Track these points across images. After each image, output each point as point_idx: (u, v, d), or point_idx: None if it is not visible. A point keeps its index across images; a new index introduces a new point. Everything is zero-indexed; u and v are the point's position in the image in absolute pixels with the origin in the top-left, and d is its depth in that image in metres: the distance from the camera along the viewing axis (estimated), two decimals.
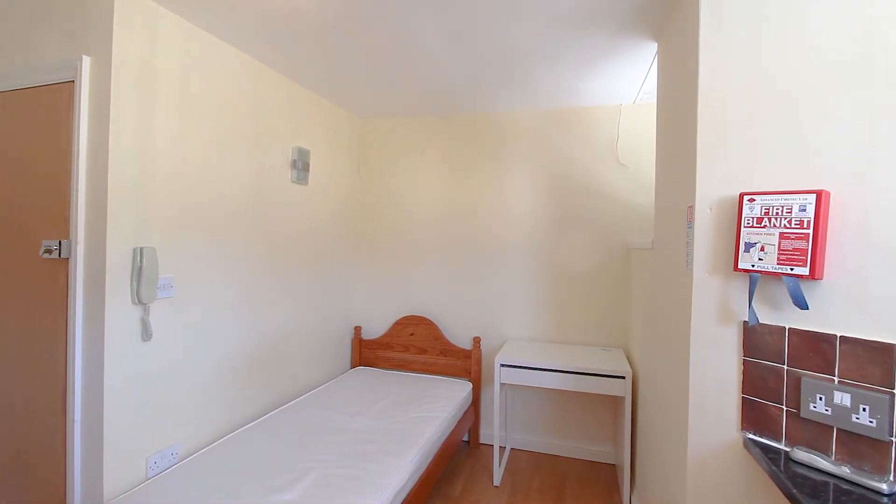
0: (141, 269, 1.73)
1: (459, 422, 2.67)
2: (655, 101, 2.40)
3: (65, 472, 1.70)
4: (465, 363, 3.12)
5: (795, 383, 1.16)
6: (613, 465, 2.90)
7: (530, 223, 3.08)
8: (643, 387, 2.21)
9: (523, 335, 3.08)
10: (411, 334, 3.25)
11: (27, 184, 1.79)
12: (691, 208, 1.39)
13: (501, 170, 3.14)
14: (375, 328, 3.41)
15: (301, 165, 2.68)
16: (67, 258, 1.68)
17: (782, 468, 1.07)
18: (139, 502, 1.60)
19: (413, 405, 2.57)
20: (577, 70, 2.39)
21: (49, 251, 1.68)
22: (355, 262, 3.44)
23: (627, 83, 2.55)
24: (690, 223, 1.40)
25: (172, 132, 1.89)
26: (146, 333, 1.79)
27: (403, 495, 1.86)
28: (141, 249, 1.74)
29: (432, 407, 2.55)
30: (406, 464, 1.93)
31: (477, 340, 3.08)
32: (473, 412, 2.99)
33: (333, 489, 1.71)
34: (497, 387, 2.57)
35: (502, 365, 2.58)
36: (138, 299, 1.74)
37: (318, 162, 2.91)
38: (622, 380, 2.38)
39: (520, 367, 2.55)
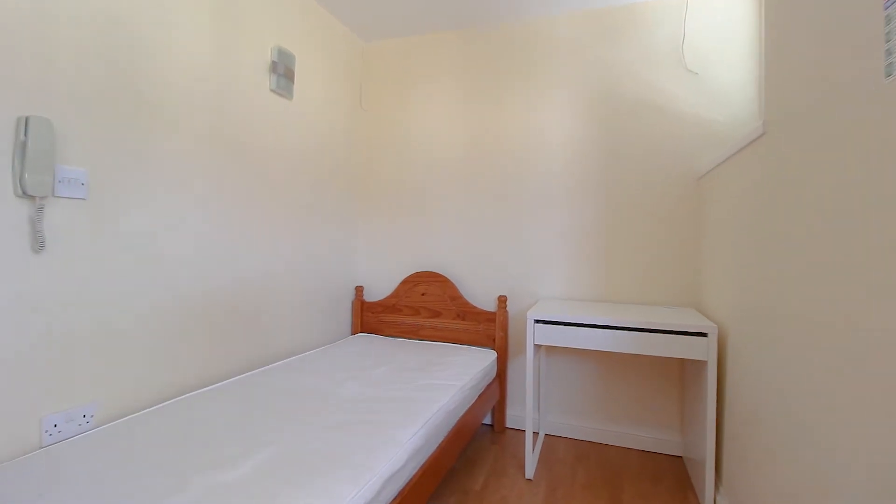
0: (25, 146, 1.21)
1: (480, 397, 2.08)
2: None
3: None
4: (488, 328, 2.53)
5: None
6: (680, 457, 2.26)
7: (568, 156, 2.46)
8: (741, 347, 1.58)
9: (560, 293, 2.47)
10: (423, 294, 2.68)
11: None
12: None
13: (532, 94, 2.54)
14: (380, 288, 2.85)
15: (283, 71, 2.14)
16: None
17: None
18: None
19: (421, 373, 1.99)
20: None
21: None
22: (356, 209, 2.89)
23: None
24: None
25: None
26: (38, 242, 1.26)
27: (400, 484, 1.28)
28: (27, 118, 1.22)
29: (445, 375, 1.97)
30: (404, 441, 1.36)
31: (502, 300, 2.49)
32: (498, 388, 2.40)
33: (296, 469, 1.15)
34: (530, 352, 1.97)
35: (537, 321, 1.98)
36: (22, 190, 1.22)
37: (306, 74, 2.36)
38: (703, 338, 1.75)
39: (560, 322, 1.95)
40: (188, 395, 1.65)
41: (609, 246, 2.39)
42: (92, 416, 1.42)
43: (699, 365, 1.88)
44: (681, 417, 2.27)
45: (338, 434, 1.36)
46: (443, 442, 1.62)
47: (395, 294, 2.73)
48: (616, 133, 2.38)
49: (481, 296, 2.62)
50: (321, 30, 2.49)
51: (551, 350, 2.48)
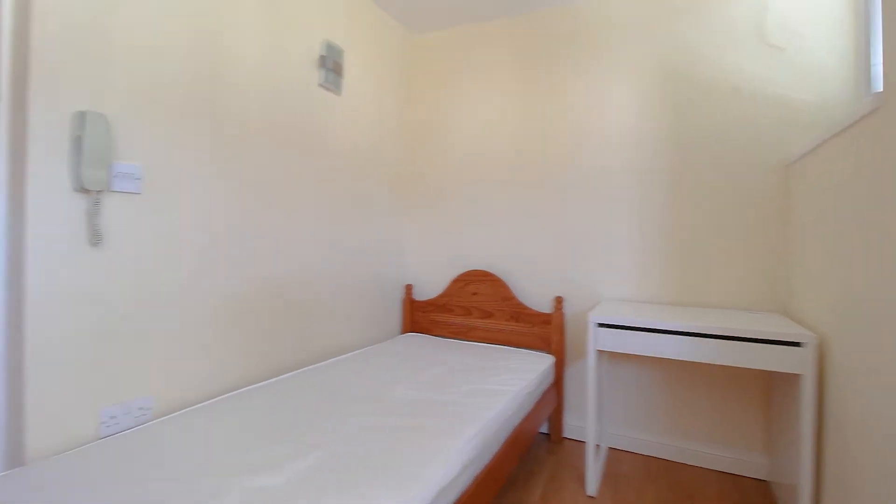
0: (82, 140, 1.22)
1: (537, 404, 1.94)
2: None
3: None
4: (544, 330, 2.37)
5: None
6: (766, 481, 2.00)
7: (633, 145, 2.27)
8: (848, 359, 1.34)
9: (625, 294, 2.28)
10: (474, 294, 2.57)
11: None
12: None
13: (591, 80, 2.36)
14: (430, 287, 2.77)
15: (332, 65, 2.11)
16: None
17: None
18: (55, 471, 1.07)
19: (474, 376, 1.88)
20: None
21: None
22: (405, 205, 2.82)
23: None
24: None
25: None
26: (95, 235, 1.28)
27: (452, 497, 1.18)
28: (83, 114, 1.23)
29: (500, 380, 1.85)
30: (459, 449, 1.25)
31: (559, 301, 2.33)
32: (555, 395, 2.24)
33: (341, 476, 1.07)
34: (591, 358, 1.81)
35: (600, 324, 1.82)
36: (81, 184, 1.23)
37: (354, 69, 2.33)
38: (797, 348, 1.52)
39: (626, 327, 1.77)
40: (238, 391, 1.64)
41: (681, 242, 2.17)
42: (150, 409, 1.42)
43: (790, 378, 1.64)
44: (766, 436, 2.01)
45: (387, 439, 1.28)
46: (498, 451, 1.50)
47: (446, 293, 2.64)
48: (688, 118, 2.16)
49: (536, 296, 2.47)
50: (370, 23, 2.45)
51: (614, 356, 2.29)
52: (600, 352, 2.15)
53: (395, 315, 2.72)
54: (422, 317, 2.71)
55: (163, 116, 1.45)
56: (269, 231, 1.86)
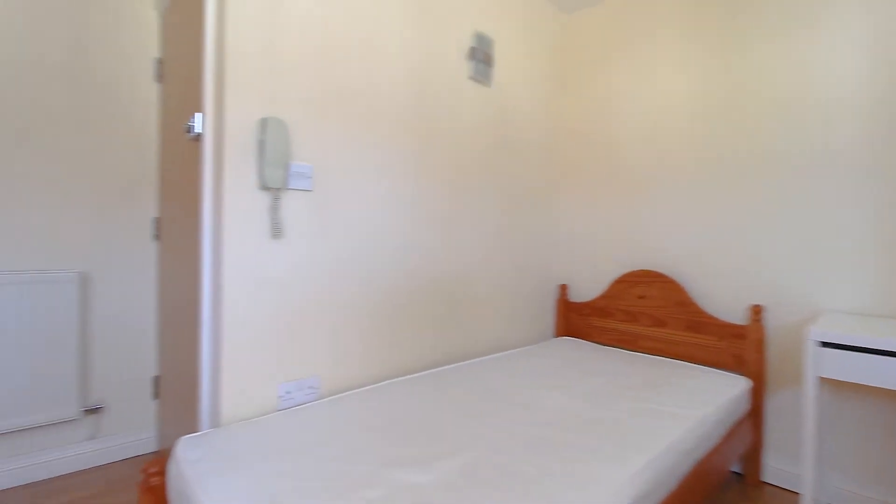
0: (264, 143, 1.37)
1: (727, 437, 1.57)
2: None
3: (197, 385, 1.46)
4: (734, 346, 1.93)
5: None
6: None
7: (861, 116, 1.69)
8: None
9: (857, 305, 1.71)
10: (641, 297, 2.24)
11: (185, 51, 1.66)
12: None
13: (798, 37, 1.84)
14: (587, 288, 2.52)
15: (482, 57, 2.05)
16: (199, 134, 1.44)
17: None
18: (245, 434, 1.21)
19: (642, 393, 1.61)
20: None
21: (188, 130, 1.48)
22: (559, 199, 2.62)
23: None
24: None
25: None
26: (276, 229, 1.42)
27: None
28: (265, 120, 1.38)
29: (676, 401, 1.54)
30: (626, 481, 1.04)
31: (757, 311, 1.87)
32: (752, 428, 1.80)
33: (489, 486, 0.97)
34: (811, 386, 1.38)
35: (824, 343, 1.37)
36: (264, 183, 1.38)
37: (504, 58, 2.23)
38: None
39: (863, 349, 1.30)
40: (393, 380, 1.68)
41: None
42: (317, 389, 1.54)
43: None
44: None
45: (540, 453, 1.14)
46: (676, 489, 1.22)
47: (607, 295, 2.36)
48: None
49: (722, 303, 2.03)
50: (520, 7, 2.33)
51: (840, 386, 1.74)
52: (823, 380, 1.66)
53: (548, 317, 2.55)
54: (578, 320, 2.48)
55: (328, 120, 1.56)
56: (428, 227, 1.89)
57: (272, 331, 1.44)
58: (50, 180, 1.80)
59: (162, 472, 1.17)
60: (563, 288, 2.53)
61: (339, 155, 1.60)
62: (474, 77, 2.05)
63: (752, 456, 1.88)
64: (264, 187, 1.40)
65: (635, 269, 2.30)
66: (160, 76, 2.04)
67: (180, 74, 1.72)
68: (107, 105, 1.92)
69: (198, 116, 1.42)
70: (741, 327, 1.92)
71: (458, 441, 1.19)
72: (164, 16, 2.00)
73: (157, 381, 2.08)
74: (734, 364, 1.93)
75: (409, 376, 1.74)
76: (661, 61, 2.25)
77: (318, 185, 1.54)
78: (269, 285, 1.43)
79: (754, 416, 1.84)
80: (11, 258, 1.72)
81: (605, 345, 2.34)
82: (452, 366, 1.89)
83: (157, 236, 2.06)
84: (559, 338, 2.48)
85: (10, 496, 1.69)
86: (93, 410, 1.91)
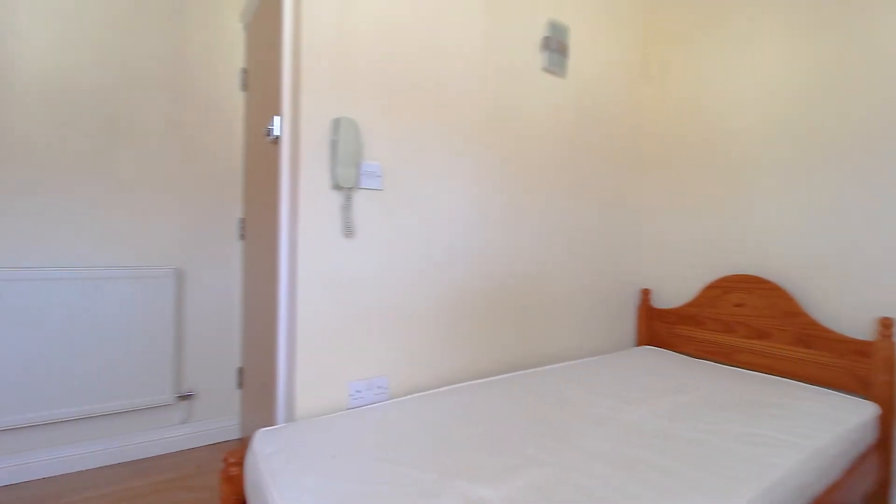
0: (337, 143, 1.38)
1: (849, 473, 1.34)
2: None
3: (274, 379, 1.52)
4: (858, 365, 1.66)
5: None
6: None
7: None
8: None
9: None
10: (737, 305, 2.00)
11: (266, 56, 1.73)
12: None
13: None
14: (673, 293, 2.30)
15: (556, 46, 1.94)
16: (277, 137, 1.48)
17: None
18: (317, 431, 1.22)
19: (740, 414, 1.42)
20: None
21: (268, 133, 1.53)
22: (641, 195, 2.43)
23: None
24: None
25: None
26: (347, 228, 1.43)
27: None
28: (338, 120, 1.39)
29: (784, 426, 1.34)
30: None
31: (887, 324, 1.59)
32: (880, 462, 1.53)
33: None
34: None
35: None
36: (336, 182, 1.39)
37: (580, 46, 2.09)
38: None
39: None
40: (460, 384, 1.63)
41: None
42: (386, 389, 1.54)
43: None
44: None
45: (623, 477, 1.03)
46: None
47: (696, 302, 2.14)
48: None
49: (841, 313, 1.75)
50: None
51: None
52: None
53: (627, 323, 2.37)
54: (662, 328, 2.28)
55: (398, 118, 1.55)
56: (499, 226, 1.82)
57: (344, 329, 1.46)
58: (150, 185, 1.97)
59: (240, 463, 1.21)
60: (646, 293, 2.34)
61: (408, 153, 1.58)
62: (548, 68, 1.95)
63: (880, 495, 1.60)
64: (336, 187, 1.41)
65: (731, 273, 2.06)
66: (245, 85, 2.16)
67: (262, 82, 1.80)
68: (199, 115, 2.07)
69: (276, 119, 1.47)
70: (866, 343, 1.64)
71: (529, 455, 1.11)
72: (248, 28, 2.12)
73: (240, 372, 2.20)
74: (856, 386, 1.66)
75: (477, 381, 1.68)
76: (761, 36, 1.99)
77: (388, 184, 1.53)
78: (340, 284, 1.44)
79: (882, 448, 1.56)
80: (117, 255, 1.91)
81: (693, 356, 2.13)
82: (523, 372, 1.80)
83: (242, 236, 2.18)
84: (640, 347, 2.29)
85: (110, 472, 1.86)
86: (185, 397, 2.07)
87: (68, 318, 1.76)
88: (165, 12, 1.99)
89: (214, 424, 2.14)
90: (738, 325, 2.00)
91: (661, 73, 2.38)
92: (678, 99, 2.30)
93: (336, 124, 1.39)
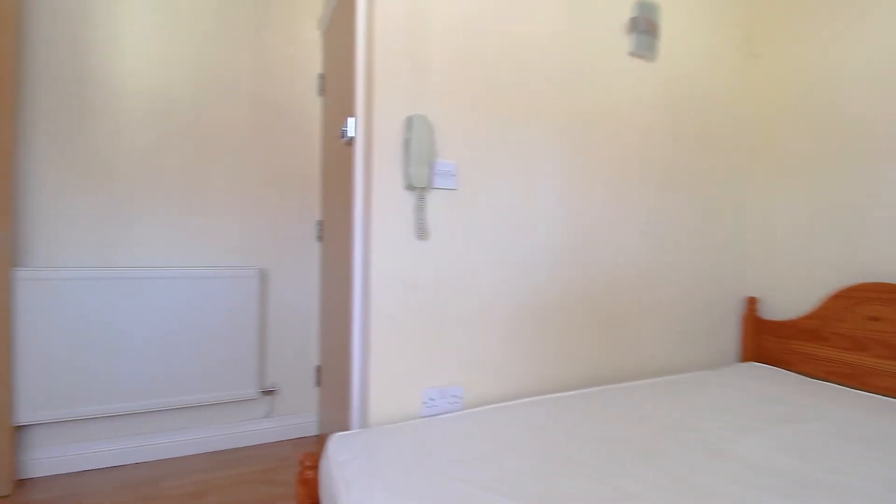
0: (409, 141, 1.33)
1: None
2: None
3: (349, 380, 1.51)
4: None
5: None
6: None
7: None
8: None
9: None
10: (873, 319, 1.68)
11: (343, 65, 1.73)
12: None
13: None
14: (787, 303, 2.00)
15: (644, 27, 1.75)
16: (352, 138, 1.47)
17: None
18: (390, 440, 1.18)
19: (884, 452, 1.17)
20: None
21: (342, 135, 1.53)
22: (747, 190, 2.14)
23: None
24: None
25: None
26: (421, 229, 1.38)
27: None
28: (410, 118, 1.34)
29: None
30: None
31: None
32: None
33: None
34: None
35: None
36: (409, 182, 1.35)
37: (673, 25, 1.88)
38: None
39: None
40: (538, 397, 1.52)
41: None
42: (460, 399, 1.47)
43: None
44: None
45: None
46: None
47: (818, 314, 1.84)
48: None
49: None
50: None
51: None
52: None
53: (729, 336, 2.10)
54: (772, 343, 1.99)
55: (472, 114, 1.48)
56: (581, 228, 1.69)
57: (417, 333, 1.41)
58: (235, 189, 2.08)
59: (315, 466, 1.21)
60: (752, 301, 2.06)
61: (484, 151, 1.50)
62: (636, 52, 1.77)
63: None
64: (409, 187, 1.37)
65: (863, 280, 1.74)
66: (322, 90, 2.21)
67: (338, 86, 1.82)
68: (280, 121, 2.15)
69: (350, 121, 1.46)
70: None
71: (622, 487, 0.98)
72: (325, 34, 2.16)
73: (318, 370, 2.26)
74: None
75: (556, 394, 1.56)
76: (882, 21, 1.66)
77: (463, 183, 1.46)
78: (413, 287, 1.40)
79: None
80: (207, 255, 2.03)
81: (812, 377, 1.83)
82: (611, 386, 1.65)
83: (320, 237, 2.23)
84: (745, 363, 2.02)
85: (199, 460, 1.97)
86: (268, 392, 2.15)
87: (169, 314, 1.90)
88: (250, 26, 2.08)
89: (295, 420, 2.21)
90: (872, 342, 1.68)
91: (771, 50, 2.08)
92: (789, 78, 2.00)
93: (409, 122, 1.35)
